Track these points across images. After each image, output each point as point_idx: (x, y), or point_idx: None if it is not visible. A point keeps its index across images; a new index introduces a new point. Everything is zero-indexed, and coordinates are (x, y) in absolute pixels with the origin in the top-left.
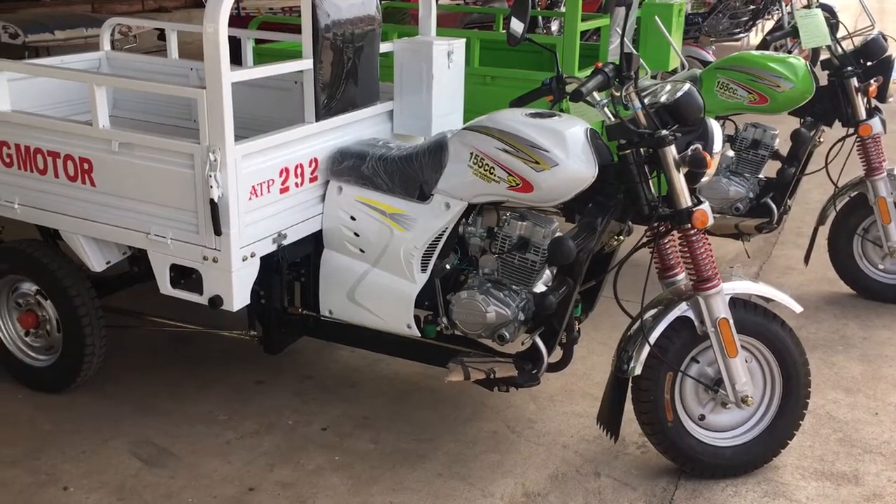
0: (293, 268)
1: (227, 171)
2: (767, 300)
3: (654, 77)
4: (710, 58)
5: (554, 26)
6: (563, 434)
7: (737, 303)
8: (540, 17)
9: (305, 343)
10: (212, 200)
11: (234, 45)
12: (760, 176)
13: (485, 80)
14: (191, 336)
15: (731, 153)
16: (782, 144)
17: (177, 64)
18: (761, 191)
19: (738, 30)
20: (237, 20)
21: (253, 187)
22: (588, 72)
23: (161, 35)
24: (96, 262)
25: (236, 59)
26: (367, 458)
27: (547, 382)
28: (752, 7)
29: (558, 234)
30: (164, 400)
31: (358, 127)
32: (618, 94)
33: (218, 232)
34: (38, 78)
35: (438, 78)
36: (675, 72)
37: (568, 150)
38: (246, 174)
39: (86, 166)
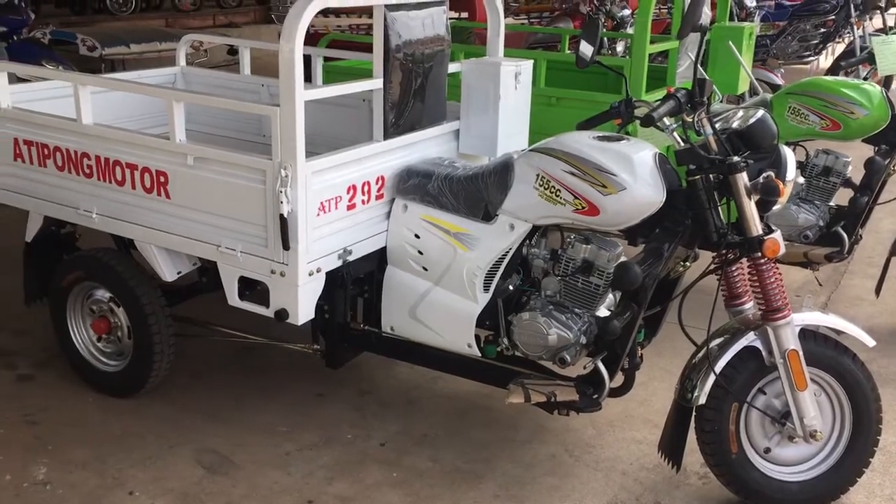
0: (356, 283)
1: (298, 187)
2: (838, 332)
3: (720, 101)
4: (779, 81)
5: (619, 47)
6: (623, 461)
7: (807, 334)
8: (605, 39)
9: (364, 357)
10: (281, 216)
11: (305, 62)
12: (831, 204)
13: (550, 100)
14: (253, 347)
15: (801, 180)
16: (855, 172)
17: (249, 80)
18: (832, 219)
19: (808, 53)
20: (307, 37)
21: (321, 203)
22: (655, 95)
23: (230, 49)
24: (168, 272)
25: (306, 76)
26: (426, 476)
27: (606, 407)
28: (822, 30)
29: (623, 258)
30: (226, 409)
31: (424, 146)
32: (689, 119)
33: (286, 246)
34: (114, 91)
35: (505, 98)
36: (742, 96)
37: (636, 174)
38: (315, 190)
39: (162, 179)
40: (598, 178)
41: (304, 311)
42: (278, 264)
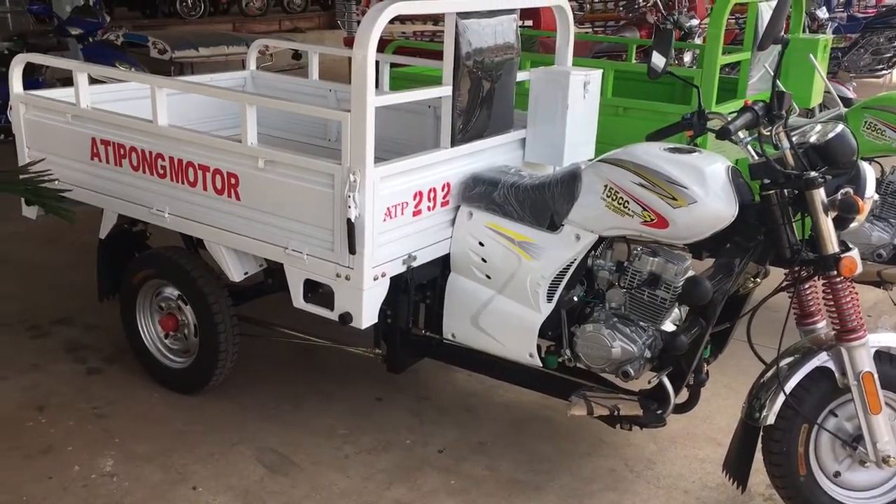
0: (419, 290)
1: (366, 192)
2: None
3: (795, 114)
4: (851, 94)
5: (687, 58)
6: (685, 478)
7: (881, 356)
8: (672, 49)
9: (423, 363)
10: (349, 220)
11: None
12: None
13: (617, 111)
14: (311, 348)
15: (876, 197)
16: None
17: (317, 85)
18: None
19: (881, 66)
20: None
21: (388, 209)
22: (725, 107)
23: (295, 54)
24: (235, 272)
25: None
26: (483, 485)
27: (668, 423)
28: None
29: (691, 273)
30: (287, 409)
31: (490, 153)
32: (766, 132)
33: (353, 251)
34: (184, 93)
35: (573, 108)
36: (813, 110)
37: (707, 187)
38: (383, 196)
39: (232, 181)
40: (669, 190)
41: (367, 316)
42: (344, 268)
